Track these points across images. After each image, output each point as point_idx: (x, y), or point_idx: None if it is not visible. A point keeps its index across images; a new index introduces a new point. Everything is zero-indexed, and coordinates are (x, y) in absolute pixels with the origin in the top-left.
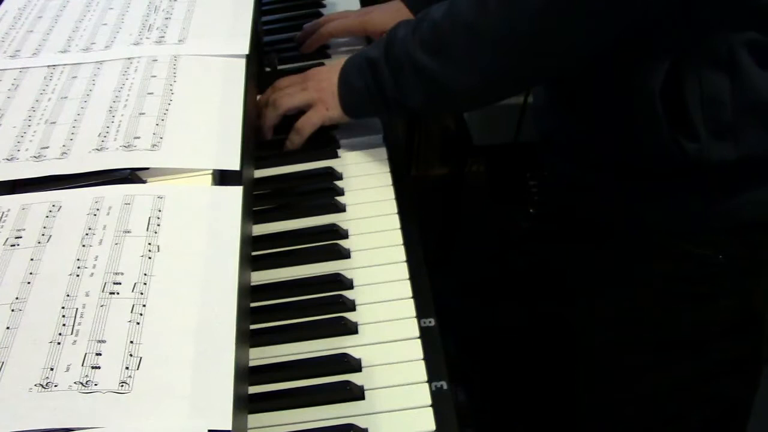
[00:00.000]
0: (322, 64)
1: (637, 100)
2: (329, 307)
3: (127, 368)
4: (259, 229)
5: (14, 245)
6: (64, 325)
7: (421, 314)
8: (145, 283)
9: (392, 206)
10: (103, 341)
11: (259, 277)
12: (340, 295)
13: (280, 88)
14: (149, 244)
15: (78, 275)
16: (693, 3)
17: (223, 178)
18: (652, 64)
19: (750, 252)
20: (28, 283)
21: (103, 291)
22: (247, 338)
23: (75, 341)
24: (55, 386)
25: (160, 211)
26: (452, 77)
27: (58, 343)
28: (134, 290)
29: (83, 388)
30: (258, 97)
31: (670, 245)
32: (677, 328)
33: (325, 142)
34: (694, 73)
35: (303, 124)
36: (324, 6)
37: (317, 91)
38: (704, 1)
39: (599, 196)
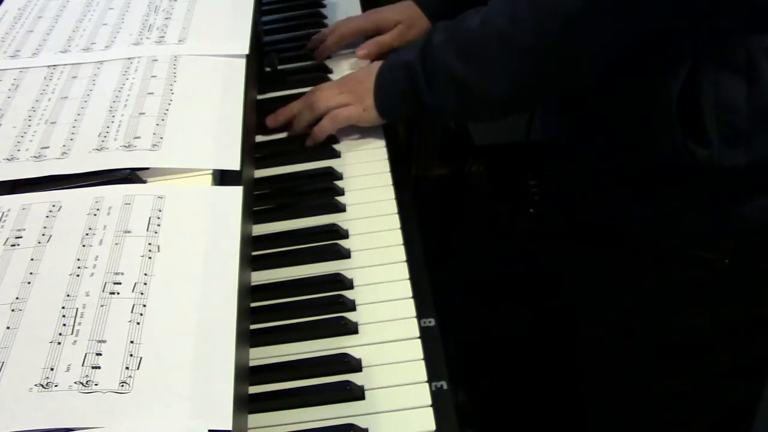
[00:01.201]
0: (322, 64)
1: (655, 105)
2: (329, 307)
3: (127, 368)
4: (259, 229)
5: (14, 245)
6: (64, 325)
7: (421, 314)
8: (145, 283)
9: (392, 206)
10: (104, 341)
11: (259, 277)
12: (340, 295)
13: (317, 90)
14: (149, 244)
15: (78, 275)
16: (712, 5)
17: (223, 178)
18: (673, 68)
19: (756, 257)
20: (28, 283)
21: (103, 291)
22: (247, 338)
23: (75, 341)
24: (56, 386)
25: (160, 211)
26: (484, 85)
27: (59, 343)
28: (134, 290)
29: (83, 388)
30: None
31: (676, 249)
32: (683, 332)
33: (325, 142)
34: (711, 78)
35: (338, 114)
36: (324, 6)
37: (354, 93)
38: (722, 5)
39: (605, 201)
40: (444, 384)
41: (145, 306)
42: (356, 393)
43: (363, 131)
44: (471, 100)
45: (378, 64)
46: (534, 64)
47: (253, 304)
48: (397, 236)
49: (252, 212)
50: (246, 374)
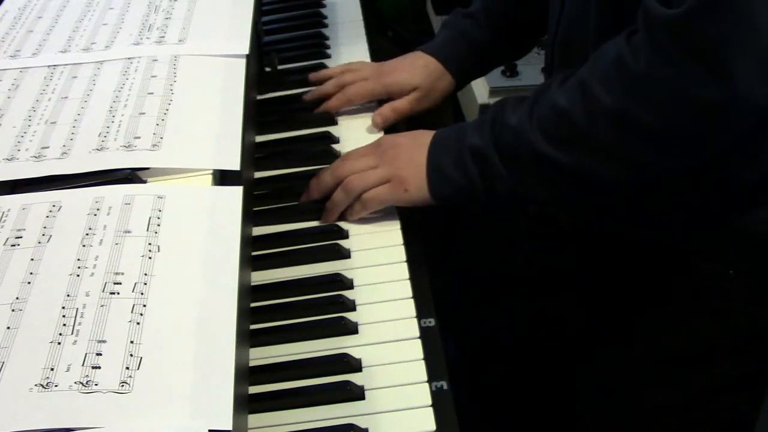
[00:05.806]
0: (322, 64)
1: None
2: (329, 307)
3: (127, 368)
4: (259, 230)
5: (14, 245)
6: (64, 325)
7: (421, 314)
8: (145, 283)
9: (392, 206)
10: (104, 341)
11: (259, 277)
12: (340, 295)
13: (348, 160)
14: (149, 244)
15: (78, 275)
16: None
17: (223, 178)
18: None
19: (760, 268)
20: (28, 283)
21: (103, 291)
22: (247, 338)
23: (75, 341)
24: (56, 386)
25: (160, 211)
26: (593, 168)
27: (59, 343)
28: (134, 290)
29: (83, 388)
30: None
31: (680, 260)
32: (684, 342)
33: (326, 143)
34: None
35: (372, 198)
36: (324, 6)
37: (395, 169)
38: None
39: (610, 212)
40: (444, 384)
41: (145, 306)
42: (356, 393)
43: (364, 132)
44: (576, 185)
45: (422, 136)
46: (660, 146)
47: (253, 304)
48: (397, 236)
49: (252, 212)
50: (246, 374)
